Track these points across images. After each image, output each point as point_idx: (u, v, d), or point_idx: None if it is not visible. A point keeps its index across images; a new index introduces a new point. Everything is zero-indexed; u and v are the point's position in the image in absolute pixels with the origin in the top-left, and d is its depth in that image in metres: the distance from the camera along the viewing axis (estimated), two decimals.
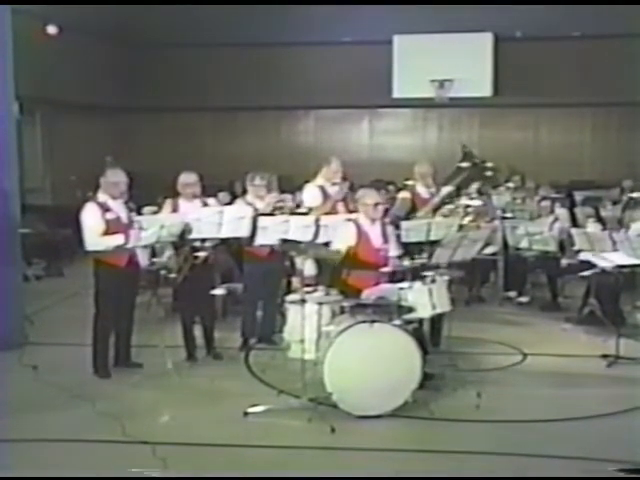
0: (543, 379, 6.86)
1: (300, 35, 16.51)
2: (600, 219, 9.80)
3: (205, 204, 7.32)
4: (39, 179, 15.15)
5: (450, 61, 16.45)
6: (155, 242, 6.98)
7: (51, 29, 14.61)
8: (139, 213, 7.31)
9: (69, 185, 13.95)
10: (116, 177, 6.82)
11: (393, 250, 6.85)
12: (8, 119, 7.91)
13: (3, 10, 7.75)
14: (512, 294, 9.90)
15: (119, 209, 6.79)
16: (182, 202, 7.27)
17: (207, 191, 7.59)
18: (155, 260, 8.57)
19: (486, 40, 16.83)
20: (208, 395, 6.36)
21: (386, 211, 7.87)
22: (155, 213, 7.67)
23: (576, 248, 8.41)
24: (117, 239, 6.62)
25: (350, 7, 14.04)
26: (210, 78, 17.69)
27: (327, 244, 6.95)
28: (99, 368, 6.82)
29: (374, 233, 6.77)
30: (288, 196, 8.17)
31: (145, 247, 7.59)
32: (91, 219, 6.66)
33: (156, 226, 6.65)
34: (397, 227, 7.59)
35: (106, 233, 6.64)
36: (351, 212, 7.50)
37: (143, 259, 8.54)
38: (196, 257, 6.99)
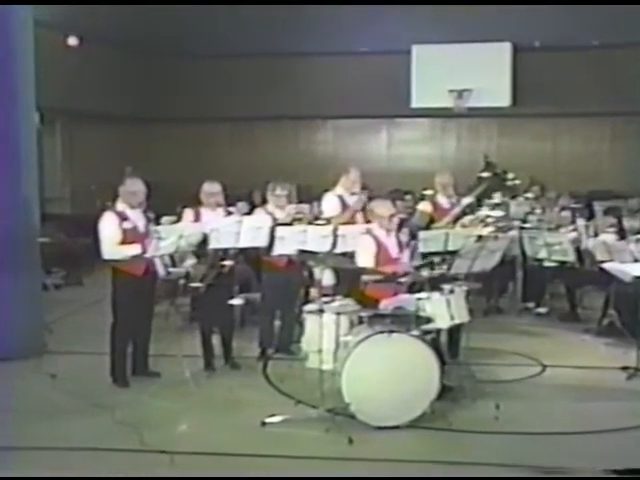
0: (562, 391, 6.81)
1: (318, 45, 16.57)
2: (622, 229, 9.74)
3: (229, 213, 7.35)
4: (59, 188, 15.26)
5: (469, 71, 16.44)
6: (174, 252, 7.00)
7: (72, 40, 14.75)
8: (158, 223, 7.34)
9: (88, 194, 14.05)
10: (134, 187, 6.87)
11: (406, 258, 6.87)
12: (29, 129, 7.98)
13: (26, 23, 7.83)
14: (530, 305, 9.85)
15: (137, 218, 6.83)
16: (204, 211, 7.29)
17: (226, 200, 7.61)
18: (172, 270, 8.60)
19: (505, 50, 16.81)
20: (226, 405, 6.37)
21: (403, 221, 7.88)
22: (174, 222, 7.69)
23: (598, 259, 8.36)
24: (134, 249, 6.65)
25: (368, 17, 14.06)
26: (228, 88, 17.75)
27: (345, 254, 6.97)
28: (117, 377, 6.85)
29: (390, 243, 6.81)
30: (306, 206, 8.18)
31: (162, 256, 7.62)
32: (108, 228, 6.70)
33: (175, 236, 6.68)
34: (414, 237, 7.60)
35: (123, 242, 6.68)
36: (370, 222, 7.50)
37: (161, 268, 8.60)
38: (223, 266, 7.00)
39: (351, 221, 7.81)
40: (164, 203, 10.24)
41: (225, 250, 6.99)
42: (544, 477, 5.09)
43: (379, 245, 6.71)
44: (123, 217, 6.75)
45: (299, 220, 7.48)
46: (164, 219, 8.57)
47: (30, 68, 7.91)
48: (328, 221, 7.81)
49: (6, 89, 7.67)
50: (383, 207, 6.87)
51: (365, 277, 6.61)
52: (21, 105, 7.80)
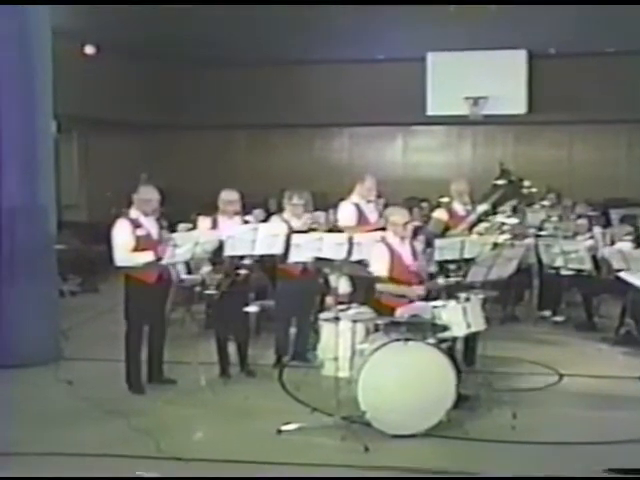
0: (579, 400, 6.77)
1: (334, 52, 16.59)
2: (638, 237, 9.69)
3: (245, 221, 7.37)
4: (75, 196, 15.36)
5: (484, 78, 16.42)
6: (190, 259, 7.02)
7: (89, 49, 14.86)
8: (173, 230, 7.37)
9: (104, 202, 14.12)
10: (148, 194, 6.89)
11: (421, 266, 6.87)
12: (46, 137, 8.05)
13: (44, 32, 7.90)
14: (547, 313, 9.81)
15: (150, 226, 6.85)
16: (221, 219, 7.31)
17: (242, 208, 7.63)
18: (186, 277, 8.62)
19: (520, 57, 16.78)
20: (241, 412, 6.37)
21: (417, 229, 7.87)
22: (190, 230, 7.72)
23: (615, 267, 8.32)
24: (146, 256, 6.67)
25: (384, 24, 14.06)
26: (244, 96, 17.80)
27: (360, 262, 6.97)
28: (132, 384, 6.86)
29: (404, 251, 6.80)
30: (322, 214, 8.19)
31: (175, 264, 7.65)
32: (122, 235, 6.72)
33: (190, 243, 6.70)
34: (430, 245, 7.59)
35: (136, 249, 6.70)
36: (383, 229, 7.50)
37: (177, 275, 8.63)
38: (238, 274, 7.02)
39: (368, 229, 7.81)
40: (179, 210, 10.30)
41: (240, 257, 7.00)
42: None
43: (393, 253, 6.71)
44: (137, 224, 6.77)
45: (314, 230, 7.48)
46: (180, 226, 8.62)
47: (48, 77, 7.97)
48: (345, 229, 7.82)
49: (24, 97, 7.73)
50: (398, 215, 6.87)
51: (379, 287, 6.60)
52: (39, 113, 7.86)
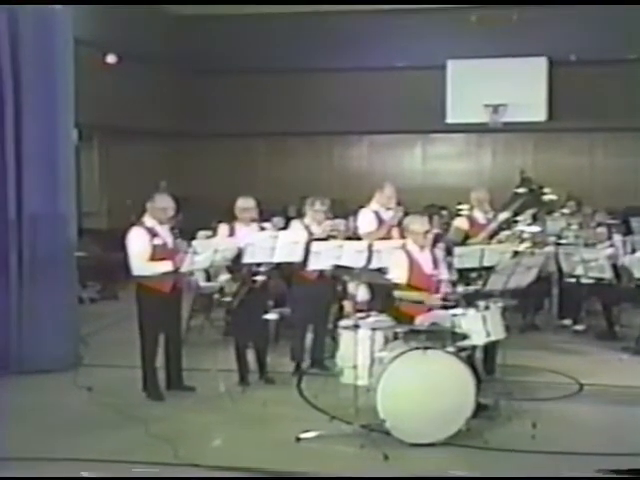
0: (600, 411, 6.72)
1: (354, 60, 16.63)
2: None
3: (262, 228, 7.38)
4: (96, 203, 15.43)
5: (504, 85, 16.39)
6: (209, 266, 7.03)
7: (110, 58, 14.96)
8: (192, 238, 7.39)
9: (125, 209, 14.19)
10: (164, 203, 6.88)
11: (443, 275, 6.85)
12: (67, 145, 8.11)
13: (66, 41, 7.97)
14: (567, 322, 9.74)
15: (166, 234, 6.85)
16: (239, 226, 7.33)
17: (261, 215, 7.65)
18: (205, 284, 8.64)
19: (540, 64, 16.72)
20: (260, 419, 6.37)
21: (438, 237, 7.86)
22: (209, 237, 7.74)
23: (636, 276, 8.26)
24: (165, 266, 6.68)
25: (403, 32, 14.09)
26: (263, 103, 17.84)
27: (380, 270, 6.96)
28: (150, 391, 6.88)
29: (424, 259, 6.80)
30: (342, 221, 8.19)
31: (194, 272, 7.67)
32: (138, 244, 6.72)
33: (210, 250, 6.71)
34: (449, 253, 7.57)
35: (152, 259, 6.70)
36: (402, 236, 7.49)
37: (195, 283, 8.66)
38: (254, 281, 7.03)
39: (386, 236, 7.80)
40: (198, 218, 10.32)
41: (257, 265, 7.01)
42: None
43: (412, 261, 6.71)
44: (153, 233, 6.77)
45: (334, 237, 7.47)
46: (200, 234, 8.63)
47: (70, 86, 8.03)
48: (364, 236, 7.82)
49: (46, 105, 7.80)
50: (417, 223, 6.86)
51: (397, 294, 6.59)
52: (60, 122, 7.92)
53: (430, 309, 6.52)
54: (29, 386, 7.23)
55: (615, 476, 4.87)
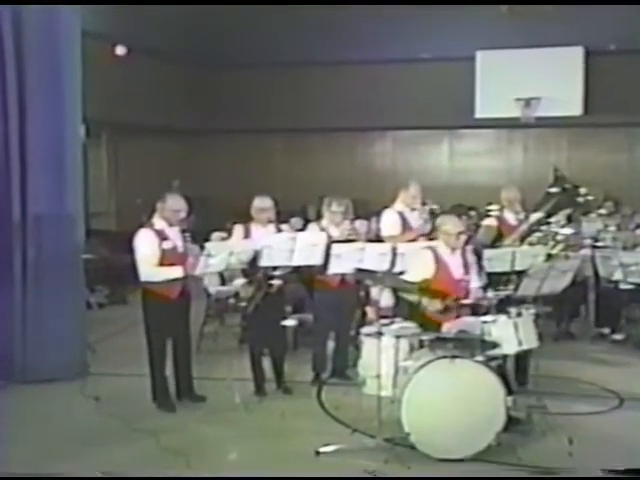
0: None
1: (376, 52, 16.63)
2: None
3: (279, 230, 7.39)
4: (104, 203, 15.53)
5: (537, 78, 16.32)
6: (224, 269, 7.04)
7: (120, 50, 15.04)
8: (206, 239, 7.41)
9: (134, 209, 14.25)
10: (176, 205, 6.85)
11: (475, 281, 6.82)
12: (74, 142, 8.13)
13: (73, 33, 8.00)
14: (605, 330, 9.67)
15: (176, 237, 6.84)
16: (255, 227, 7.35)
17: (279, 216, 7.66)
18: (219, 288, 8.66)
19: (576, 54, 16.64)
20: (277, 432, 6.37)
21: (468, 239, 7.83)
22: (224, 239, 7.76)
23: None
24: (175, 271, 6.68)
25: (430, 21, 14.07)
26: (280, 98, 17.89)
27: (404, 273, 6.94)
28: (160, 401, 6.91)
29: (454, 263, 6.76)
30: (363, 222, 8.18)
31: (208, 275, 7.68)
32: (147, 248, 6.71)
33: (225, 252, 6.72)
34: (479, 256, 7.54)
35: (161, 264, 6.71)
36: (431, 240, 7.47)
37: (211, 287, 8.69)
38: (270, 285, 7.04)
39: (413, 239, 7.79)
40: (212, 218, 10.36)
41: (273, 268, 7.02)
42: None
43: (440, 263, 6.68)
44: (163, 236, 6.76)
45: (353, 241, 7.45)
46: (214, 235, 8.66)
47: (77, 79, 8.06)
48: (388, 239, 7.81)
49: (52, 100, 7.83)
50: (450, 223, 6.83)
51: (425, 302, 6.57)
52: (67, 117, 7.95)
53: (459, 315, 6.50)
54: (33, 396, 7.27)
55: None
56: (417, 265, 6.73)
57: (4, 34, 7.62)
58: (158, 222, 6.85)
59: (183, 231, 6.92)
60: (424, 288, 6.51)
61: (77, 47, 8.06)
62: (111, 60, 14.73)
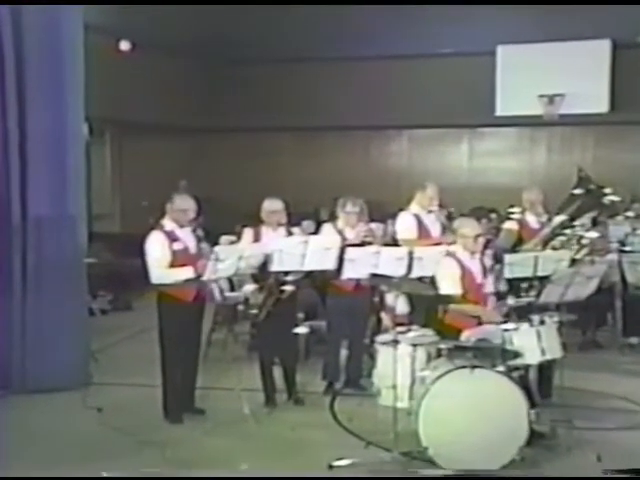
0: None
1: (392, 46, 16.57)
2: None
3: (290, 233, 7.39)
4: (108, 204, 15.59)
5: (561, 73, 16.26)
6: (233, 274, 7.05)
7: (124, 45, 15.08)
8: (215, 242, 7.42)
9: (139, 211, 14.30)
10: (185, 204, 6.92)
11: (489, 286, 6.81)
12: (77, 141, 8.16)
13: (76, 26, 8.03)
14: (634, 340, 9.63)
15: (187, 238, 6.89)
16: (265, 231, 7.36)
17: (290, 219, 7.66)
18: (228, 294, 8.67)
19: (603, 48, 16.55)
20: (288, 445, 6.38)
21: (487, 242, 7.82)
22: (233, 242, 7.77)
23: None
24: (186, 272, 6.70)
25: (448, 14, 14.02)
26: (290, 95, 17.87)
27: (421, 279, 6.93)
28: (170, 412, 6.90)
29: (475, 267, 6.77)
30: (378, 225, 8.17)
31: (217, 280, 7.68)
32: (157, 250, 6.76)
33: (234, 257, 6.72)
34: (499, 261, 7.53)
35: (173, 265, 6.74)
36: (448, 244, 7.46)
37: (218, 293, 8.69)
38: (282, 291, 7.03)
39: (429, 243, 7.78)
40: (221, 221, 10.36)
41: (285, 273, 7.01)
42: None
43: (463, 269, 6.68)
44: (173, 238, 6.80)
45: (369, 243, 7.45)
46: (223, 239, 8.63)
47: (80, 76, 8.09)
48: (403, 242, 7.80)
49: (54, 97, 7.86)
50: (468, 226, 6.83)
51: (453, 307, 6.56)
52: (69, 115, 7.98)
53: (479, 322, 6.48)
54: (33, 407, 7.29)
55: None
56: (445, 275, 6.73)
57: (3, 31, 7.65)
58: (168, 223, 6.90)
59: (194, 230, 6.96)
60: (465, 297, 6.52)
61: (79, 42, 8.09)
62: (115, 55, 14.78)
